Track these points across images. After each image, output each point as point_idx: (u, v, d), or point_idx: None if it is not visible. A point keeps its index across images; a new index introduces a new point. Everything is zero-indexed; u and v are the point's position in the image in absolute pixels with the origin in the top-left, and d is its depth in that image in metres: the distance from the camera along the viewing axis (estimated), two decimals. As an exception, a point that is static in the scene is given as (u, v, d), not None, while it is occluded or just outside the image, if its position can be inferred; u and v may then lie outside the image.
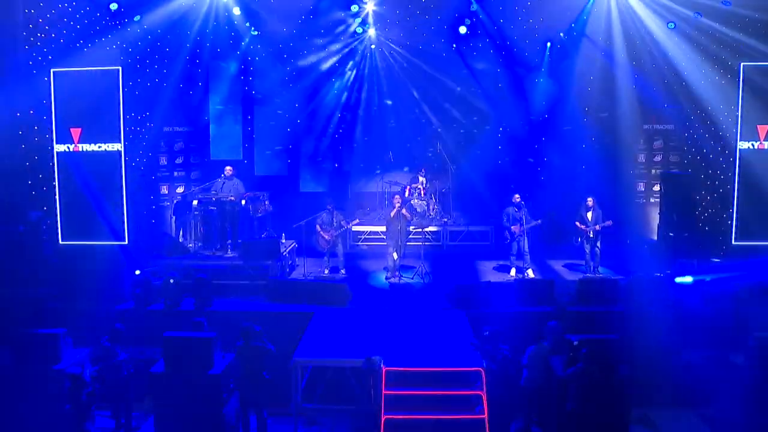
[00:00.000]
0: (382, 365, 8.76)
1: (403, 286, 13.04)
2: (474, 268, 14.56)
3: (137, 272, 11.61)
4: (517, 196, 13.53)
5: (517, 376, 9.46)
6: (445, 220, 16.91)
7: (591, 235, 13.53)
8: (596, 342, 9.12)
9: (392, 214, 13.45)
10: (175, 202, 15.68)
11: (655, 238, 15.85)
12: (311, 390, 9.41)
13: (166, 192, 15.74)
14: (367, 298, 12.22)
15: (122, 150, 11.69)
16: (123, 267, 11.85)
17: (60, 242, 11.92)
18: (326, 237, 13.56)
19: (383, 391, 8.53)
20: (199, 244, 13.38)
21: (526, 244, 13.50)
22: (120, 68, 11.63)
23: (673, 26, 15.99)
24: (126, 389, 9.45)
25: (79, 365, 9.43)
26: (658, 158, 16.39)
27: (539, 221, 13.50)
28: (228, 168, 13.58)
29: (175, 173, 16.03)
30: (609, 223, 13.39)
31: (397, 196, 13.82)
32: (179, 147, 16.06)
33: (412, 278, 13.46)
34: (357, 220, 14.29)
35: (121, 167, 11.72)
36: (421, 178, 17.35)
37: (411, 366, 8.82)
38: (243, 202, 13.29)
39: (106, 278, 11.63)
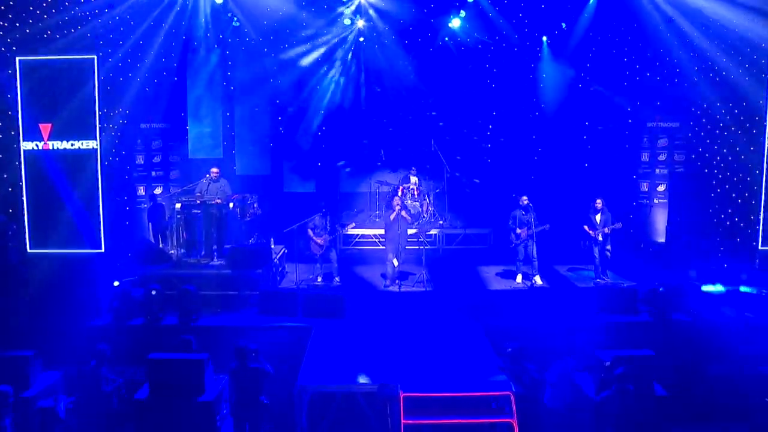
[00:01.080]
0: (399, 390, 7.81)
1: (405, 295, 12.09)
2: (476, 275, 13.70)
3: (116, 283, 10.47)
4: (524, 198, 12.71)
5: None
6: (441, 222, 16.03)
7: (600, 239, 12.81)
8: (630, 360, 8.30)
9: (392, 217, 12.51)
10: (151, 204, 14.52)
11: (661, 240, 15.27)
12: (318, 418, 8.40)
13: (143, 193, 14.60)
14: (369, 309, 11.26)
15: (98, 148, 10.51)
16: (99, 277, 10.69)
17: (28, 250, 10.69)
18: (319, 242, 12.60)
19: (402, 421, 7.59)
20: (182, 251, 12.24)
21: (534, 249, 12.68)
22: (95, 57, 10.44)
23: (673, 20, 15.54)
24: (114, 427, 8.29)
25: (51, 394, 8.31)
26: (662, 157, 15.69)
27: (548, 225, 12.68)
28: (214, 170, 12.54)
29: (153, 173, 14.89)
30: (618, 225, 12.69)
31: (396, 198, 12.90)
32: (157, 145, 14.92)
33: (413, 286, 12.54)
34: (353, 224, 13.32)
35: (97, 167, 10.55)
36: (412, 178, 16.46)
37: (432, 391, 7.89)
38: (231, 205, 12.20)
39: (79, 290, 10.50)
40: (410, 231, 13.18)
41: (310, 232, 12.63)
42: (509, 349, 8.93)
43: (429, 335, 10.00)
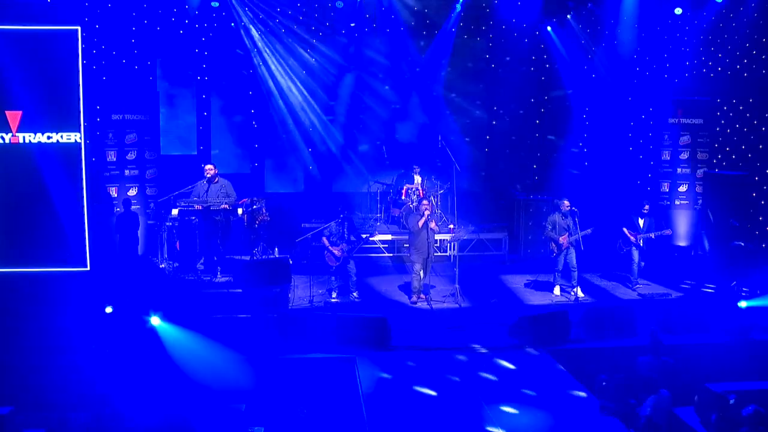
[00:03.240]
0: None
1: (439, 314, 10.56)
2: (503, 286, 12.36)
3: (108, 309, 8.46)
4: (566, 202, 11.38)
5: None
6: (451, 226, 14.49)
7: (641, 244, 11.77)
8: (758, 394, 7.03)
9: (420, 224, 10.97)
10: (122, 210, 12.33)
11: (682, 244, 14.28)
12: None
13: (116, 195, 12.45)
14: (405, 331, 9.61)
15: (82, 142, 8.45)
16: (84, 302, 8.64)
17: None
18: (336, 252, 10.92)
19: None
20: (175, 265, 10.30)
21: (574, 258, 11.39)
22: (79, 28, 8.37)
23: (680, 11, 14.78)
24: None
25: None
26: (684, 155, 14.68)
27: (591, 229, 11.39)
28: (208, 167, 10.63)
29: (127, 171, 12.78)
30: (668, 232, 11.72)
31: (425, 201, 11.36)
32: (131, 139, 12.80)
33: (444, 302, 11.03)
34: (377, 232, 11.71)
35: (81, 165, 8.48)
36: (416, 177, 14.86)
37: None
38: (240, 211, 10.32)
39: (59, 319, 8.44)
40: (445, 237, 11.61)
41: (326, 241, 10.94)
42: (604, 383, 7.59)
43: (491, 365, 8.47)
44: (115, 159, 12.60)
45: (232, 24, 14.76)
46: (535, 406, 7.35)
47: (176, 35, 14.28)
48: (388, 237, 13.87)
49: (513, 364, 8.45)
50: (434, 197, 14.79)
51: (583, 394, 7.65)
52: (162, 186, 13.33)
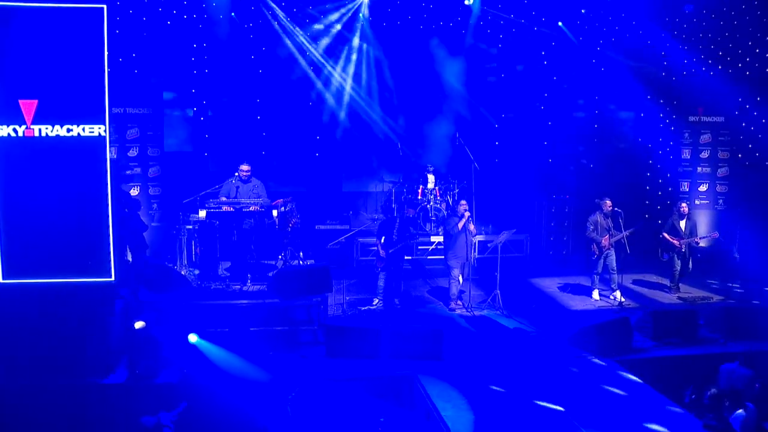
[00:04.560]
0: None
1: (483, 321, 9.91)
2: (537, 290, 11.79)
3: (138, 324, 7.49)
4: (608, 202, 10.82)
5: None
6: (472, 227, 13.80)
7: (683, 250, 11.21)
8: None
9: (460, 225, 10.30)
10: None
11: (704, 245, 13.90)
12: None
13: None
14: (455, 344, 8.86)
15: (107, 135, 7.45)
16: (109, 316, 7.65)
17: (1, 280, 7.44)
18: (381, 253, 10.25)
19: None
20: (196, 272, 9.36)
21: (614, 261, 10.85)
22: (105, 6, 7.37)
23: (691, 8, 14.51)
24: None
25: None
26: (705, 154, 14.33)
27: (633, 229, 10.80)
28: (244, 167, 9.77)
29: (128, 170, 11.75)
30: (715, 234, 11.22)
31: (463, 202, 10.63)
32: (133, 135, 11.78)
33: (484, 309, 10.36)
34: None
35: (106, 162, 7.48)
36: (430, 177, 14.15)
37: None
38: (275, 213, 9.44)
39: (81, 336, 7.45)
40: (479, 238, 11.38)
41: (379, 246, 10.19)
42: (693, 396, 7.03)
43: (572, 381, 7.77)
44: (115, 156, 11.51)
45: (232, 14, 13.93)
46: (636, 427, 6.70)
47: (173, 26, 13.32)
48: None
49: (592, 378, 7.80)
50: (450, 196, 14.15)
51: (676, 409, 7.06)
52: (166, 185, 12.38)
